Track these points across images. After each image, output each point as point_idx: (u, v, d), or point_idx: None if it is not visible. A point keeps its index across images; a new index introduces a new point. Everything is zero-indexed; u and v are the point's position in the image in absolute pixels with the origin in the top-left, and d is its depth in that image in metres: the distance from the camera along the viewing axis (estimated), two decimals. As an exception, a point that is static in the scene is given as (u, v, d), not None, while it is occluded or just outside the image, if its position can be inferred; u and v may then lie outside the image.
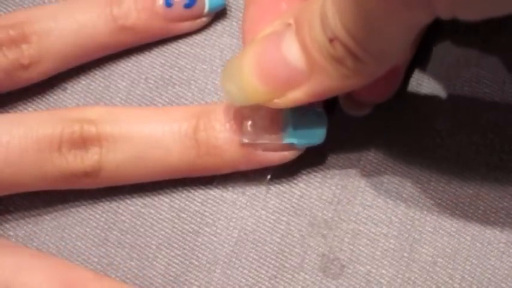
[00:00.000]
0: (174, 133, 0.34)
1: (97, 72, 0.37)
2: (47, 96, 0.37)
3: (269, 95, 0.31)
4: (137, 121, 0.34)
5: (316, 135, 0.34)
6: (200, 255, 0.35)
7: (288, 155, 0.34)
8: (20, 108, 0.36)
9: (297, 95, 0.30)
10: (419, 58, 0.37)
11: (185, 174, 0.35)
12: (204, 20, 0.37)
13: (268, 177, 0.35)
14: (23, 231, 0.35)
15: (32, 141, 0.33)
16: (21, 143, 0.33)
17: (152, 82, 0.37)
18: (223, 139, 0.34)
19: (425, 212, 0.35)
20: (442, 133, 0.36)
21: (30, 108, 0.37)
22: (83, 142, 0.33)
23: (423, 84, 0.37)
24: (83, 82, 0.37)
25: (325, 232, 0.35)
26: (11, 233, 0.35)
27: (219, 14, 0.37)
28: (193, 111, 0.34)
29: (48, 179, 0.33)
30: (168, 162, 0.34)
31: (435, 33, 0.37)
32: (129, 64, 0.37)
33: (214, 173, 0.35)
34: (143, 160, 0.34)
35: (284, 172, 0.35)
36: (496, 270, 0.35)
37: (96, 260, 0.35)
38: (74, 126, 0.33)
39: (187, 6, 0.36)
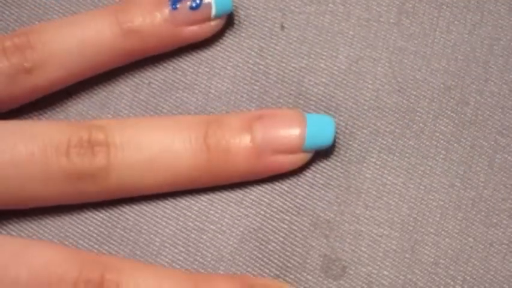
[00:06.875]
0: (185, 142, 0.34)
1: (100, 76, 0.37)
2: (50, 100, 0.36)
3: None
4: (146, 128, 0.34)
5: (326, 133, 0.35)
6: (204, 253, 0.35)
7: (298, 160, 0.35)
8: (22, 112, 0.36)
9: None
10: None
11: (194, 185, 0.35)
12: (213, 24, 0.36)
13: None
14: (26, 232, 0.35)
15: (38, 147, 0.33)
16: (28, 149, 0.33)
17: (155, 87, 0.37)
18: (234, 148, 0.34)
19: (427, 214, 0.35)
20: (444, 134, 0.36)
21: (32, 113, 0.37)
22: (90, 148, 0.33)
23: (425, 84, 0.37)
24: (86, 86, 0.37)
25: (327, 233, 0.35)
26: (14, 234, 0.35)
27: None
28: (202, 119, 0.34)
29: (55, 181, 0.33)
30: (178, 171, 0.34)
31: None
32: (131, 66, 0.37)
33: (224, 183, 0.35)
34: (152, 169, 0.34)
35: (288, 173, 0.35)
36: (498, 272, 0.35)
37: (99, 258, 0.35)
38: (82, 132, 0.33)
39: (194, 7, 0.36)
